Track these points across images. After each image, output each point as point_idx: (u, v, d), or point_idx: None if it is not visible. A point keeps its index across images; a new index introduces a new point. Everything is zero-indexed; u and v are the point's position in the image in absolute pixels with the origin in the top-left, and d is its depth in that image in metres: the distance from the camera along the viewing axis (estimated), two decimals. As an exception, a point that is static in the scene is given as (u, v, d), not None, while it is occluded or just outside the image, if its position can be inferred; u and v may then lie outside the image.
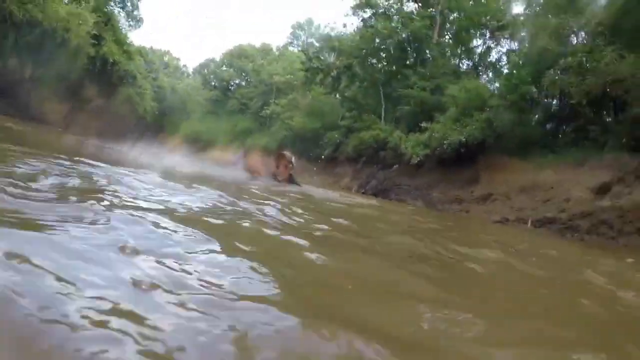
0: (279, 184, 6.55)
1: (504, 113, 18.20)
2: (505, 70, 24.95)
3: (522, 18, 22.87)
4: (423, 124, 22.48)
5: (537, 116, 19.44)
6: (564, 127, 18.43)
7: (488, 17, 27.05)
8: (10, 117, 18.60)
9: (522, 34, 23.04)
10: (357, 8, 35.08)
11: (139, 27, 51.27)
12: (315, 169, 34.33)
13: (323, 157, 34.08)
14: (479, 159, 18.64)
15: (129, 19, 47.70)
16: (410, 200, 18.57)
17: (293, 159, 7.24)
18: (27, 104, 22.26)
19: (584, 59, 15.72)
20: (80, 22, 23.97)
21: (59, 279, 1.40)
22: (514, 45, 25.76)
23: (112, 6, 41.68)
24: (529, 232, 11.23)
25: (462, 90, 21.14)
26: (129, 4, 46.87)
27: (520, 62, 21.19)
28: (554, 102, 19.26)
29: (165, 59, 73.66)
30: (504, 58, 27.45)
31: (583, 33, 18.35)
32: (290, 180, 6.96)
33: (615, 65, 14.21)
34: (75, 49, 23.98)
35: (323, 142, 34.68)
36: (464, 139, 18.62)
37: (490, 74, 28.51)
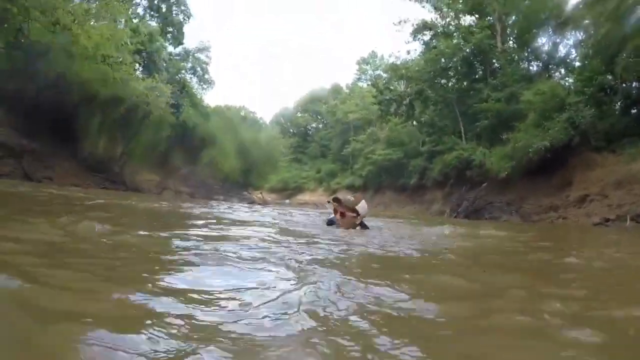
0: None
1: (584, 109, 17.58)
2: (577, 64, 24.10)
3: (581, 6, 22.01)
4: (504, 136, 22.14)
5: (618, 104, 18.50)
6: (649, 111, 17.42)
7: (547, 13, 26.36)
8: (107, 189, 19.85)
9: (585, 23, 22.20)
10: (416, 32, 35.51)
11: (211, 88, 54.87)
12: (403, 199, 34.52)
13: (410, 185, 34.26)
14: (567, 161, 18.03)
15: (201, 83, 51.10)
16: (504, 217, 18.26)
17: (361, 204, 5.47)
18: (121, 176, 23.99)
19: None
20: (158, 94, 26.14)
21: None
22: (580, 35, 24.67)
23: (183, 74, 45.09)
24: (629, 232, 10.74)
25: (537, 94, 20.65)
26: (199, 69, 50.40)
27: (590, 52, 20.51)
28: (633, 86, 18.21)
29: (242, 113, 76.76)
30: (573, 51, 26.34)
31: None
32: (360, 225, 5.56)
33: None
34: (157, 119, 25.97)
35: (408, 171, 34.88)
36: (548, 144, 18.09)
37: (563, 71, 27.50)
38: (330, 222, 5.70)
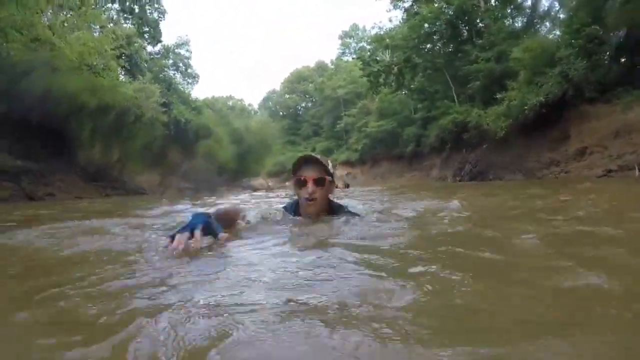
0: None
1: (575, 61, 17.70)
2: (561, 16, 24.02)
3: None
4: (498, 95, 22.22)
5: (607, 54, 18.52)
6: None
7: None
8: (109, 196, 19.46)
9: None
10: (396, 0, 35.32)
11: (197, 82, 54.80)
12: (401, 167, 34.79)
13: (406, 153, 34.54)
14: (563, 114, 18.19)
15: (186, 78, 50.96)
16: (508, 176, 18.51)
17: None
18: (122, 181, 23.83)
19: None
20: (147, 95, 26.22)
21: None
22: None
23: (166, 71, 45.07)
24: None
25: (526, 51, 20.73)
26: (181, 64, 50.18)
27: (575, 4, 20.44)
28: (620, 34, 18.18)
29: (230, 103, 76.54)
30: (556, 4, 26.12)
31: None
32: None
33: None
34: (150, 120, 25.98)
35: (403, 140, 35.11)
36: (543, 99, 18.26)
37: (548, 25, 27.41)
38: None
